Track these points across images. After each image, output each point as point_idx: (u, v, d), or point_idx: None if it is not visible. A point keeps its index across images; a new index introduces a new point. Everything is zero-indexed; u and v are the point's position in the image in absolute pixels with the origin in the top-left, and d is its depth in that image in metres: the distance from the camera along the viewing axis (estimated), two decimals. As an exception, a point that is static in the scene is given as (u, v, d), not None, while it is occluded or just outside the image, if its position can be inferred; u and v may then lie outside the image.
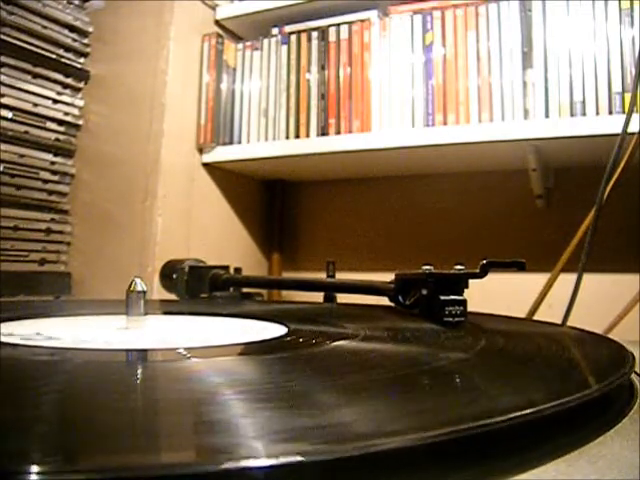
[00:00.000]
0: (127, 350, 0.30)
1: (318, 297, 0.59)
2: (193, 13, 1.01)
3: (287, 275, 1.17)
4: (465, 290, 0.41)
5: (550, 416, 0.18)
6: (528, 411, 0.18)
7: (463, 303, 0.39)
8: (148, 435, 0.16)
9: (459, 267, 0.41)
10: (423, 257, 0.45)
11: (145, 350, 0.30)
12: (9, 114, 0.89)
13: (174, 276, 0.64)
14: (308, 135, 0.97)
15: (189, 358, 0.27)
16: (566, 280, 0.67)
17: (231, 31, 1.09)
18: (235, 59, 1.04)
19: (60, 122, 0.97)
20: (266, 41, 1.02)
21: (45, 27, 0.95)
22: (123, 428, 0.16)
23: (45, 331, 0.35)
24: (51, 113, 0.96)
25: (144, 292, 0.36)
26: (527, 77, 0.83)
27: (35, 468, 0.12)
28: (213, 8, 1.05)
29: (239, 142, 1.02)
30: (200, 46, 1.02)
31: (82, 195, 0.99)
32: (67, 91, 0.99)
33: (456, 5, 0.89)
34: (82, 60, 1.01)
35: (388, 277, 0.48)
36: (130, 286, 0.36)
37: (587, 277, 0.65)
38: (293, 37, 1.00)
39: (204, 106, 1.01)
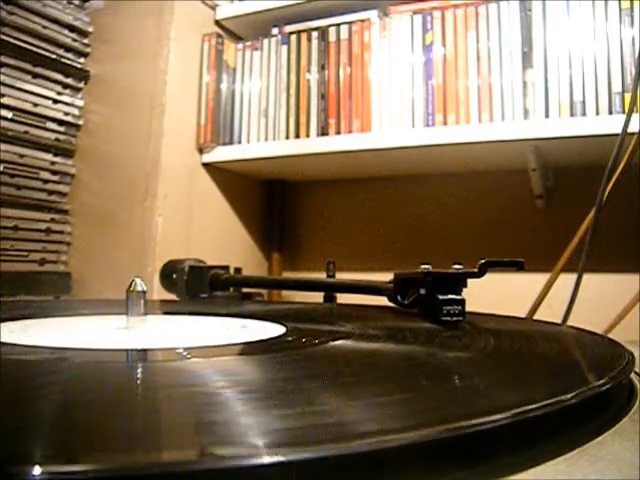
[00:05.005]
0: (127, 350, 0.30)
1: (318, 297, 0.59)
2: (193, 13, 1.01)
3: (287, 275, 1.17)
4: (465, 290, 0.41)
5: (549, 415, 0.18)
6: (527, 409, 0.18)
7: (461, 302, 0.39)
8: (148, 435, 0.16)
9: (457, 266, 0.41)
10: (423, 257, 0.45)
11: (145, 350, 0.30)
12: (9, 114, 0.89)
13: (174, 276, 0.64)
14: (308, 135, 0.97)
15: (189, 358, 0.27)
16: (566, 280, 0.67)
17: (231, 31, 1.09)
18: (235, 59, 1.04)
19: (60, 122, 0.97)
20: (266, 41, 1.02)
21: (45, 27, 0.95)
22: (123, 428, 0.16)
23: (45, 331, 0.35)
24: (51, 113, 0.96)
25: (144, 292, 0.36)
26: (527, 77, 0.83)
27: (35, 468, 0.12)
28: (213, 8, 1.05)
29: (239, 142, 1.02)
30: (200, 46, 1.02)
31: (82, 195, 0.99)
32: (67, 91, 0.99)
33: (456, 5, 0.89)
34: (82, 60, 1.01)
35: (387, 277, 0.48)
36: (130, 286, 0.36)
37: (587, 277, 0.65)
38: (293, 37, 1.00)
39: (204, 106, 1.01)
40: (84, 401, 0.19)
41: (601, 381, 0.22)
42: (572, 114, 0.80)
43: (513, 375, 0.25)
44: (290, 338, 0.33)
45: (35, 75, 0.93)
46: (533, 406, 0.18)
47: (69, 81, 0.99)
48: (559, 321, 0.63)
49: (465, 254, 0.48)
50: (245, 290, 0.65)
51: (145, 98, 0.95)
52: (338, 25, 0.97)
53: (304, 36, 0.99)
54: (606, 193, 0.63)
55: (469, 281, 0.41)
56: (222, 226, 1.07)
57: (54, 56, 0.96)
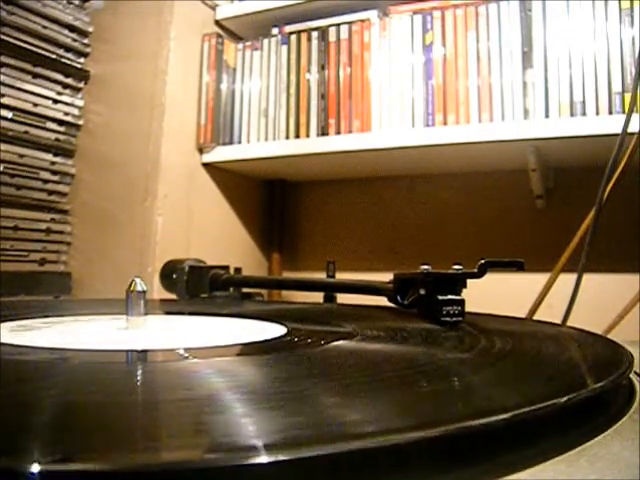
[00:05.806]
0: (127, 350, 0.30)
1: (318, 297, 0.59)
2: (193, 13, 1.01)
3: (287, 275, 1.17)
4: (465, 290, 0.41)
5: (549, 416, 0.18)
6: (527, 410, 0.18)
7: (461, 303, 0.39)
8: (148, 435, 0.16)
9: (457, 267, 0.41)
10: (423, 257, 0.45)
11: (145, 350, 0.30)
12: (9, 114, 0.89)
13: (174, 276, 0.64)
14: (308, 135, 0.97)
15: (189, 358, 0.27)
16: (566, 280, 0.67)
17: (231, 31, 1.09)
18: (235, 59, 1.04)
19: (60, 122, 0.97)
20: (266, 41, 1.02)
21: (45, 27, 0.95)
22: (123, 428, 0.16)
23: (45, 331, 0.35)
24: (51, 113, 0.96)
25: (144, 292, 0.36)
26: (527, 77, 0.83)
27: (35, 468, 0.12)
28: (213, 8, 1.05)
29: (239, 142, 1.02)
30: (200, 46, 1.02)
31: (82, 195, 0.99)
32: (67, 91, 0.99)
33: (456, 5, 0.89)
34: (82, 60, 1.01)
35: (387, 277, 0.48)
36: (130, 286, 0.36)
37: (587, 277, 0.65)
38: (293, 37, 1.00)
39: (204, 106, 1.01)
40: (84, 401, 0.19)
41: (601, 381, 0.22)
42: (572, 114, 0.80)
43: (513, 375, 0.25)
44: (290, 338, 0.33)
45: (35, 75, 0.93)
46: (533, 406, 0.18)
47: (69, 81, 0.99)
48: (559, 321, 0.63)
49: (465, 254, 0.48)
50: (245, 290, 0.65)
51: (145, 98, 0.95)
52: (338, 25, 0.97)
53: (304, 36, 0.99)
54: (606, 193, 0.63)
55: (469, 281, 0.41)
56: (222, 226, 1.07)
57: (54, 56, 0.96)
